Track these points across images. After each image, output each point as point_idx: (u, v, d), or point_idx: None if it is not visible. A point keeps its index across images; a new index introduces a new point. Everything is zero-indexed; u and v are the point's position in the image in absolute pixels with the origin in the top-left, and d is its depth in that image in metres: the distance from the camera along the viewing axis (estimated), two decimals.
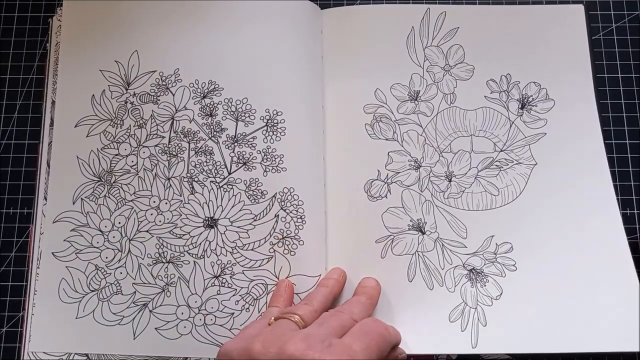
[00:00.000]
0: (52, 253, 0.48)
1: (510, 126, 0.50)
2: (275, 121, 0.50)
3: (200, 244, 0.48)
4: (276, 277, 0.47)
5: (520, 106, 0.51)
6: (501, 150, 0.50)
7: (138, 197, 0.49)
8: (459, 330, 0.45)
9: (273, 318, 0.40)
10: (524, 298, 0.46)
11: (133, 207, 0.49)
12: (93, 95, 0.51)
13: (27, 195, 0.51)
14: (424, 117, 0.51)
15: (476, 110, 0.51)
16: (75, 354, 0.46)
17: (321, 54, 0.53)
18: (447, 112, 0.51)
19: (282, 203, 0.48)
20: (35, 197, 0.50)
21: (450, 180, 0.49)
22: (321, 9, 0.54)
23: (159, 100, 0.51)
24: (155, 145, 0.50)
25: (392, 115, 0.51)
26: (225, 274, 0.47)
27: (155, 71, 0.52)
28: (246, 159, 0.49)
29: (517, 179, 0.49)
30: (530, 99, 0.51)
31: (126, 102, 0.51)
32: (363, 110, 0.51)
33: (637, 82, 0.52)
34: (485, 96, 0.51)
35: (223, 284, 0.47)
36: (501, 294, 0.46)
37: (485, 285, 0.47)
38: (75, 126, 0.51)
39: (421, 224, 0.48)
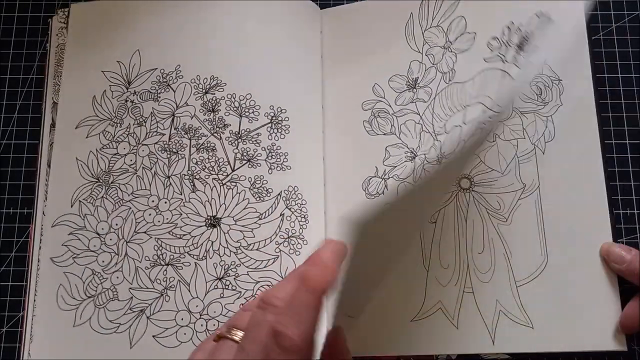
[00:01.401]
0: (51, 259, 0.45)
1: (503, 77, 0.47)
2: (280, 118, 0.47)
3: (202, 244, 0.44)
4: (283, 278, 0.44)
5: (517, 49, 0.47)
6: (489, 109, 0.46)
7: (136, 197, 0.45)
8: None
9: (217, 335, 0.36)
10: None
11: (131, 208, 0.45)
12: (94, 96, 0.48)
13: (27, 195, 0.49)
14: (421, 103, 0.48)
15: (474, 78, 0.48)
16: None
17: (321, 53, 0.50)
18: (444, 92, 0.48)
19: (287, 202, 0.45)
20: (35, 197, 0.48)
21: (440, 163, 0.46)
22: (321, 8, 0.52)
23: (160, 97, 0.48)
24: (155, 143, 0.47)
25: (390, 109, 0.48)
26: (229, 276, 0.44)
27: (156, 69, 0.49)
28: (251, 155, 0.46)
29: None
30: (529, 36, 0.47)
31: (126, 101, 0.48)
32: (361, 107, 0.49)
33: (637, 82, 0.51)
34: (484, 59, 0.48)
35: (227, 286, 0.43)
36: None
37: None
38: (76, 128, 0.48)
39: None
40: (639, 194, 0.48)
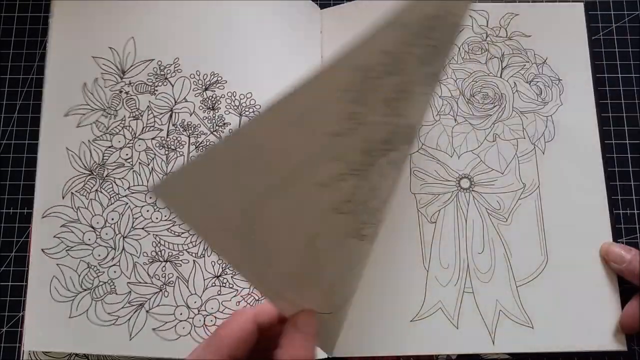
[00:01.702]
0: (42, 250, 0.44)
1: None
2: None
3: (200, 242, 0.43)
4: None
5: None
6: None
7: (133, 193, 0.44)
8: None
9: None
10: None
11: (127, 203, 0.44)
12: (85, 83, 0.47)
13: (27, 195, 0.48)
14: None
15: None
16: (75, 355, 0.43)
17: (321, 54, 0.49)
18: None
19: None
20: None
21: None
22: (321, 8, 0.50)
23: (157, 90, 0.46)
24: (152, 138, 0.45)
25: None
26: (226, 274, 0.43)
27: (152, 60, 0.47)
28: None
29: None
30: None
31: (121, 92, 0.46)
32: None
33: (637, 82, 0.50)
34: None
35: (224, 284, 0.43)
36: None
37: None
38: (65, 115, 0.46)
39: None
40: (639, 194, 0.48)
